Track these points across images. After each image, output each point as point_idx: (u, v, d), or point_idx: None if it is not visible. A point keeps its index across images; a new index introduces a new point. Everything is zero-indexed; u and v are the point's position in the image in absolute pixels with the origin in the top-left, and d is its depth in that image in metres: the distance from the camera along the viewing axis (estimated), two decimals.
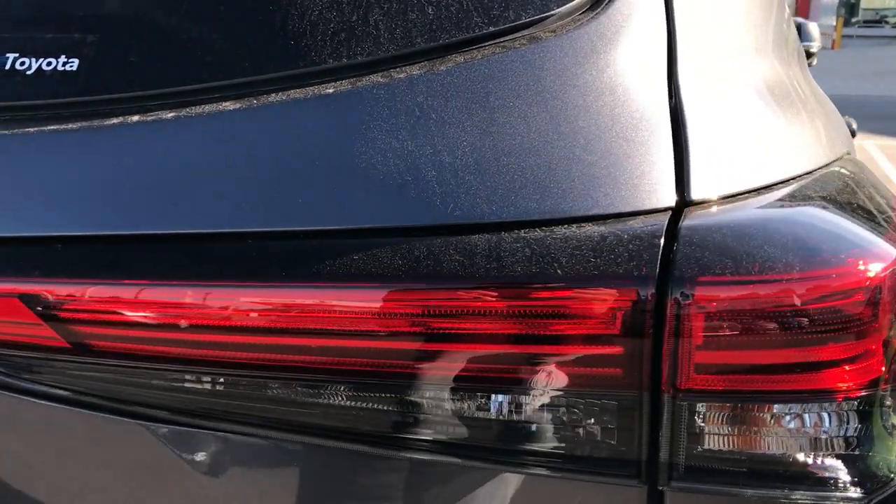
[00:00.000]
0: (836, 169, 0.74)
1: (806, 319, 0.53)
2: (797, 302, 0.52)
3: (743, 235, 0.54)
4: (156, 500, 0.64)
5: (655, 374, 0.54)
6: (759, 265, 0.52)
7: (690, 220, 0.55)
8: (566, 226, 0.55)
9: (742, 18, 0.77)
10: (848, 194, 0.66)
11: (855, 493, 0.59)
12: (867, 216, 0.63)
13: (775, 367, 0.54)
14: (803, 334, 0.53)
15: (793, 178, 0.64)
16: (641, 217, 0.56)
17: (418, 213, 0.55)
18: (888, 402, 0.60)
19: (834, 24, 20.90)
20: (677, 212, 0.56)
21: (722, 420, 0.56)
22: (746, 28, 0.78)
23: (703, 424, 0.56)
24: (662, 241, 0.53)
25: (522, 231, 0.54)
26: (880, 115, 10.65)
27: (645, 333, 0.53)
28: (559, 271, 0.53)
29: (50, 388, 0.60)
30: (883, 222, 0.63)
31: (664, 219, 0.55)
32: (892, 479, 0.60)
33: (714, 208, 0.57)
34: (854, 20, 23.87)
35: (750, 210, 0.57)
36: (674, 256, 0.52)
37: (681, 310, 0.52)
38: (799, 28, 3.23)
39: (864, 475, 0.59)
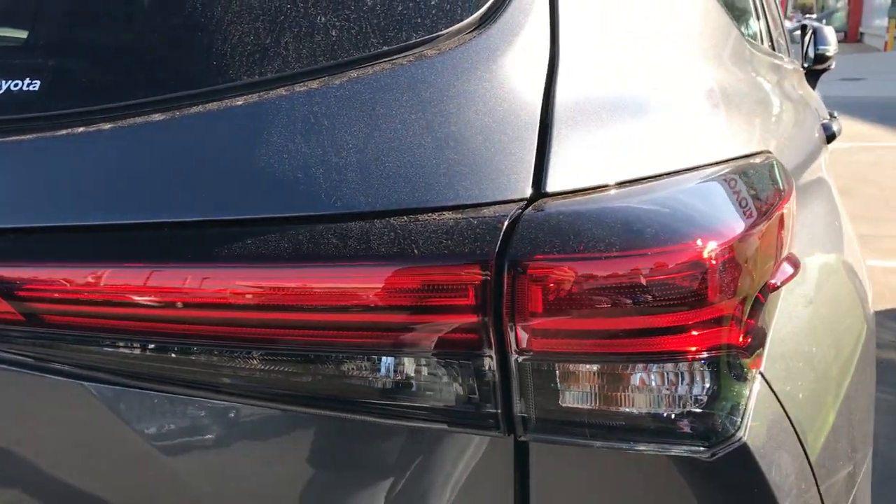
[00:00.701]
0: (717, 167, 0.82)
1: (628, 291, 0.62)
2: (619, 276, 0.61)
3: (576, 220, 0.63)
4: (95, 450, 0.76)
5: (501, 338, 0.63)
6: (585, 244, 0.61)
7: (534, 207, 0.65)
8: (429, 214, 0.65)
9: (634, 33, 0.86)
10: (708, 189, 0.74)
11: (698, 446, 0.67)
12: (716, 207, 0.71)
13: (607, 332, 0.64)
14: (628, 304, 0.62)
15: (652, 176, 0.73)
16: (497, 206, 0.65)
17: (305, 204, 0.66)
18: (735, 365, 0.69)
19: (886, 25, 20.44)
20: (531, 202, 0.66)
21: (566, 378, 0.65)
22: (637, 41, 0.86)
23: (548, 382, 0.65)
24: (506, 224, 0.63)
25: (391, 219, 0.65)
26: None
27: (489, 303, 0.62)
28: (416, 251, 0.63)
29: (8, 355, 0.73)
30: (737, 216, 0.71)
31: (515, 207, 0.65)
32: (734, 435, 0.69)
33: (561, 199, 0.66)
34: None
35: (592, 200, 0.66)
36: (512, 237, 0.62)
37: (516, 282, 0.62)
38: (814, 32, 3.26)
39: (707, 430, 0.67)
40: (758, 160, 0.92)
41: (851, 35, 24.57)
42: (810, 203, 1.39)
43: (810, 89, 2.98)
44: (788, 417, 0.80)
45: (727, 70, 1.10)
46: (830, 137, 2.13)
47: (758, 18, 1.84)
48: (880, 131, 9.77)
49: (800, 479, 0.82)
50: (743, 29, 1.48)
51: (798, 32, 3.44)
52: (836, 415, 1.02)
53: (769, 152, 1.01)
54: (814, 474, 0.85)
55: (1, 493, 0.82)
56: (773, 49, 2.06)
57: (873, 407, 1.37)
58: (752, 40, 1.57)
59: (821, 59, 3.28)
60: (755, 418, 0.73)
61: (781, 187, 0.85)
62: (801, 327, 1.01)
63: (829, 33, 3.34)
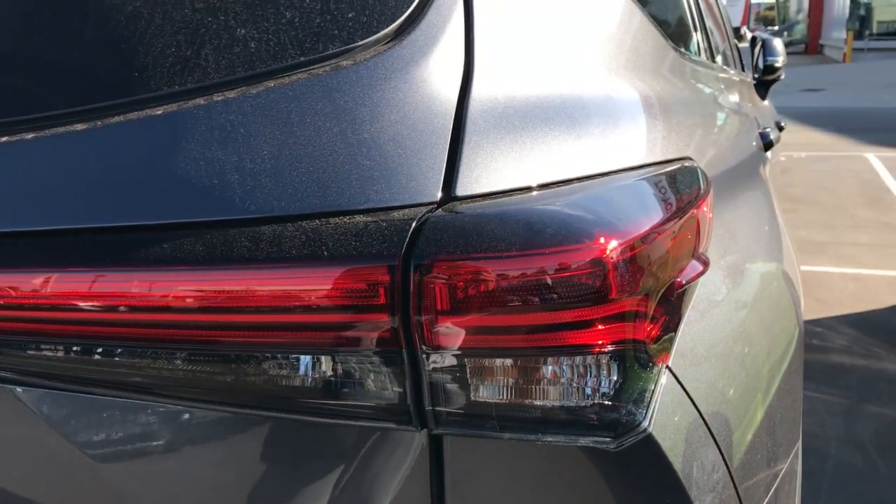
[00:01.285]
0: (630, 172, 0.85)
1: (529, 289, 0.65)
2: (520, 275, 0.64)
3: (479, 221, 0.66)
4: (28, 457, 0.77)
5: (409, 335, 0.66)
6: (487, 244, 0.64)
7: (442, 210, 0.68)
8: (339, 217, 0.67)
9: (550, 45, 0.90)
10: (614, 191, 0.78)
11: (604, 436, 0.70)
12: (619, 207, 0.74)
13: (512, 328, 0.66)
14: (530, 301, 0.65)
15: (562, 181, 0.76)
16: (407, 209, 0.68)
17: (219, 209, 0.68)
18: (640, 359, 0.72)
19: (844, 37, 20.88)
20: (440, 205, 0.69)
21: (474, 373, 0.68)
22: (554, 52, 0.90)
23: (457, 377, 0.68)
24: (413, 226, 0.66)
25: (303, 222, 0.67)
26: (885, 128, 10.67)
27: (397, 302, 0.65)
28: (326, 253, 0.65)
29: None
30: (641, 216, 0.74)
31: (424, 210, 0.68)
32: (639, 426, 0.72)
33: (469, 202, 0.69)
34: (867, 33, 23.81)
35: (498, 203, 0.69)
36: (418, 239, 0.65)
37: (422, 282, 0.64)
38: (763, 44, 3.34)
39: (612, 421, 0.70)
40: (676, 166, 0.95)
41: (812, 47, 25.04)
42: (745, 207, 1.44)
43: (758, 99, 3.06)
44: (701, 414, 0.84)
45: (656, 81, 1.14)
46: (768, 145, 2.19)
47: (697, 32, 1.89)
48: (838, 141, 9.98)
49: (715, 474, 0.85)
50: (680, 43, 1.52)
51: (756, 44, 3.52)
52: (763, 414, 1.06)
53: (690, 158, 1.04)
54: (730, 471, 0.88)
55: None
56: (716, 61, 2.11)
57: (801, 408, 1.41)
58: (689, 54, 1.62)
59: (770, 69, 3.37)
60: (665, 413, 0.76)
61: (696, 190, 0.89)
62: (734, 329, 1.04)
63: (778, 45, 3.43)
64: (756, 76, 3.40)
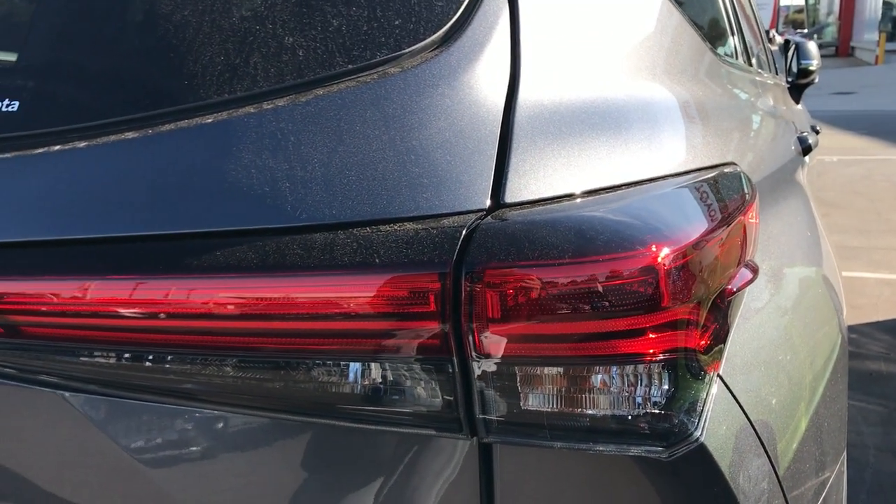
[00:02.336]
0: (678, 178, 0.85)
1: (582, 297, 0.64)
2: (572, 282, 0.64)
3: (531, 228, 0.65)
4: (78, 461, 0.78)
5: (460, 343, 0.66)
6: (539, 252, 0.64)
7: (492, 217, 0.67)
8: (390, 225, 0.67)
9: (596, 50, 0.89)
10: (664, 197, 0.77)
11: (656, 446, 0.70)
12: (670, 214, 0.74)
13: (563, 336, 0.66)
14: (582, 309, 0.64)
15: (610, 187, 0.75)
16: (456, 217, 0.68)
17: (271, 217, 0.68)
18: (692, 367, 0.71)
19: (877, 39, 20.61)
20: (489, 212, 0.69)
21: (525, 381, 0.68)
22: (600, 57, 0.89)
23: (508, 385, 0.67)
24: (464, 233, 0.65)
25: (354, 230, 0.67)
26: None
27: (448, 310, 0.65)
28: (378, 260, 0.65)
29: None
30: (692, 223, 0.74)
31: (474, 217, 0.67)
32: (692, 435, 0.71)
33: (519, 209, 0.69)
34: None
35: (548, 210, 0.69)
36: (469, 246, 0.65)
37: (473, 289, 0.64)
38: (797, 47, 3.31)
39: (664, 431, 0.70)
40: (721, 171, 0.94)
41: (843, 49, 24.74)
42: (786, 213, 1.42)
43: (793, 103, 3.02)
44: (751, 422, 0.82)
45: (695, 86, 1.13)
46: (806, 150, 2.16)
47: (733, 35, 1.87)
48: (871, 144, 9.84)
49: (763, 483, 0.84)
50: (717, 46, 1.51)
51: (791, 47, 3.48)
52: (809, 422, 1.05)
53: (734, 163, 1.03)
54: (779, 479, 0.87)
55: None
56: (751, 65, 2.09)
57: (846, 416, 1.39)
58: (726, 57, 1.60)
59: (804, 73, 3.33)
60: (716, 422, 0.75)
61: (742, 196, 0.88)
62: (777, 337, 1.03)
63: (812, 48, 3.39)
64: (790, 80, 3.36)
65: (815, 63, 3.36)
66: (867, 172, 8.23)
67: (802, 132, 2.27)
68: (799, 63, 3.33)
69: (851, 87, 16.18)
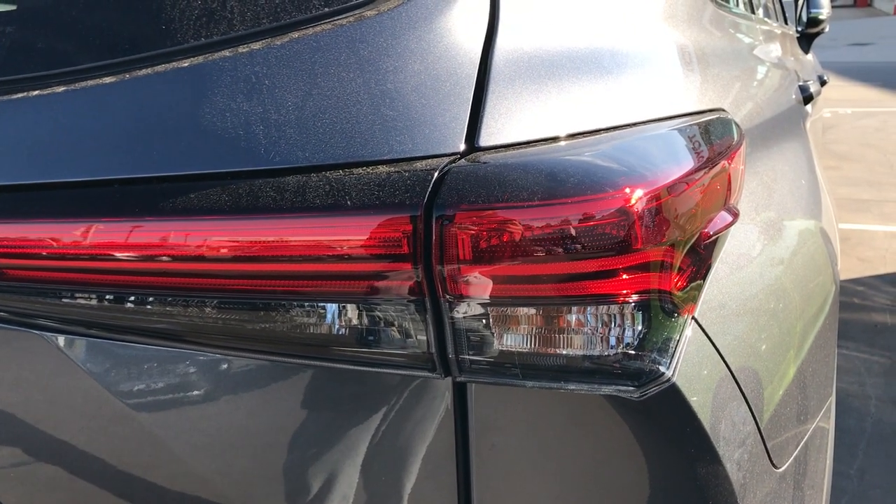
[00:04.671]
0: (660, 122, 0.84)
1: (553, 239, 0.64)
2: (543, 224, 0.64)
3: (502, 171, 0.66)
4: (72, 404, 0.80)
5: (432, 284, 0.67)
6: (509, 194, 0.64)
7: (465, 161, 0.67)
8: (363, 168, 0.68)
9: None
10: (641, 141, 0.77)
11: (627, 385, 0.70)
12: (645, 157, 0.73)
13: (535, 277, 0.66)
14: (554, 251, 0.65)
15: (589, 132, 0.75)
16: (430, 160, 0.68)
17: (245, 160, 0.69)
18: (666, 309, 0.72)
19: None
20: (463, 156, 0.69)
21: (497, 322, 0.68)
22: (588, 1, 0.88)
23: (480, 325, 0.68)
24: (436, 176, 0.66)
25: (327, 172, 0.68)
26: None
27: (419, 252, 0.66)
28: (349, 202, 0.66)
29: None
30: (668, 166, 0.73)
31: (447, 160, 0.68)
32: (663, 375, 0.72)
33: (493, 153, 0.69)
34: None
35: (522, 154, 0.69)
36: (441, 188, 0.65)
37: (444, 231, 0.65)
38: None
39: (636, 370, 0.70)
40: (709, 117, 0.94)
41: (861, 0, 24.24)
42: (781, 161, 1.41)
43: (800, 52, 2.98)
44: (730, 369, 0.83)
45: (692, 32, 1.12)
46: (807, 99, 2.14)
47: None
48: (886, 96, 9.70)
49: (742, 428, 0.85)
50: None
51: None
52: (796, 370, 1.05)
53: (723, 110, 1.02)
54: (758, 425, 0.88)
55: None
56: (754, 12, 2.06)
57: (834, 366, 1.40)
58: (725, 3, 1.58)
59: (813, 22, 3.28)
60: (693, 365, 0.76)
61: (728, 142, 0.87)
62: (769, 285, 1.03)
63: None
64: (799, 29, 3.31)
65: (824, 12, 3.31)
66: (881, 125, 8.13)
67: (805, 81, 2.24)
68: (808, 12, 3.29)
69: (869, 37, 15.89)
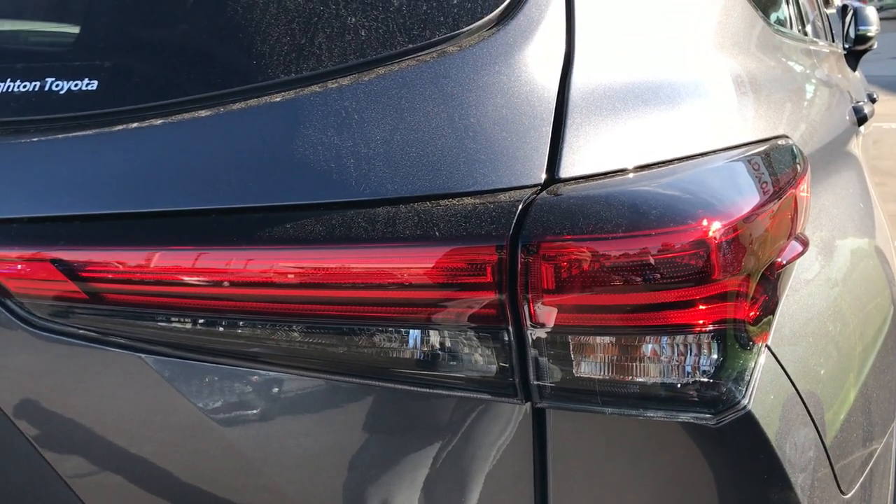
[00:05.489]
0: (729, 152, 0.86)
1: (634, 269, 0.67)
2: (625, 255, 0.66)
3: (585, 203, 0.68)
4: (151, 419, 0.83)
5: (517, 313, 0.69)
6: (593, 226, 0.67)
7: (548, 192, 0.70)
8: (449, 199, 0.71)
9: (649, 26, 0.90)
10: (716, 172, 0.79)
11: (704, 413, 0.72)
12: (721, 188, 0.75)
13: (616, 307, 0.69)
14: (634, 281, 0.67)
15: (663, 162, 0.77)
16: (513, 192, 0.71)
17: (336, 192, 0.72)
18: (741, 338, 0.74)
19: None
20: (545, 187, 0.71)
21: (578, 350, 0.71)
22: (653, 33, 0.90)
23: (562, 353, 0.71)
24: (520, 207, 0.68)
25: (415, 204, 0.71)
26: None
27: (505, 281, 0.68)
28: (438, 233, 0.69)
29: (74, 329, 0.81)
30: (743, 197, 0.75)
31: (530, 192, 0.70)
32: (739, 403, 0.73)
33: (574, 184, 0.71)
34: None
35: (602, 185, 0.71)
36: (525, 220, 0.68)
37: (529, 262, 0.67)
38: (855, 12, 3.23)
39: (713, 398, 0.72)
40: (773, 144, 0.95)
41: None
42: (838, 185, 1.42)
43: (848, 71, 2.96)
44: (798, 392, 0.84)
45: (748, 58, 1.14)
46: (861, 120, 2.13)
47: (787, 2, 1.85)
48: None
49: (810, 452, 0.86)
50: (770, 16, 1.50)
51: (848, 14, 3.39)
52: (857, 393, 1.06)
53: (786, 136, 1.04)
54: (825, 448, 0.89)
55: (65, 459, 0.90)
56: (806, 33, 2.06)
57: None
58: (780, 27, 1.59)
59: (862, 39, 3.26)
60: (763, 391, 0.78)
61: (794, 169, 0.89)
62: (827, 308, 1.04)
63: (871, 13, 3.31)
64: (846, 46, 3.29)
65: (873, 29, 3.28)
66: None
67: (858, 101, 2.24)
68: (856, 29, 3.26)
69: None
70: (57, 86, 0.83)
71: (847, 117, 1.86)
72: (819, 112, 1.52)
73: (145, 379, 0.81)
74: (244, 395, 0.80)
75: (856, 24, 3.27)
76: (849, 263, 1.26)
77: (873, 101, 3.35)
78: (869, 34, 3.27)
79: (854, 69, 3.33)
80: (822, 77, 1.83)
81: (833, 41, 3.13)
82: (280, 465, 0.81)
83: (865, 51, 3.33)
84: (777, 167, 0.88)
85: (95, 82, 0.82)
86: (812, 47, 1.96)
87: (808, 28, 2.28)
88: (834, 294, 1.10)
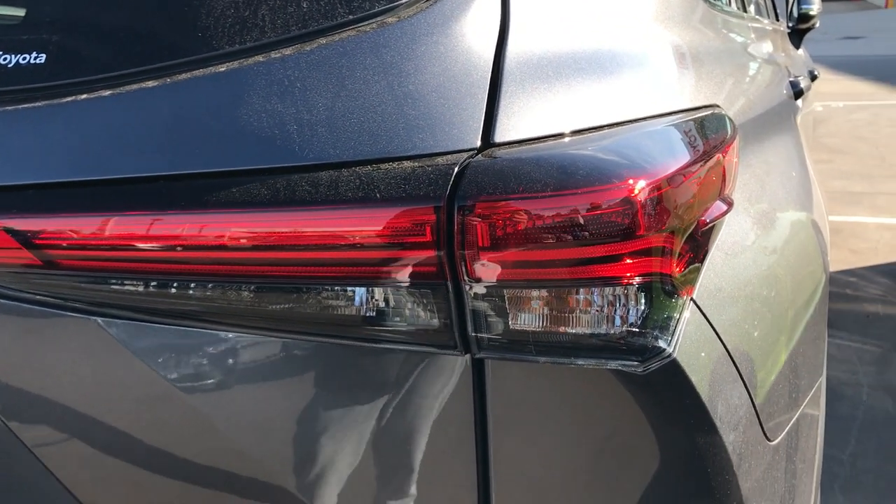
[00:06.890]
0: (659, 119, 0.90)
1: (563, 226, 0.71)
2: (554, 213, 0.71)
3: (517, 165, 0.72)
4: (107, 381, 0.86)
5: (454, 269, 0.73)
6: (524, 186, 0.71)
7: (482, 156, 0.74)
8: (389, 163, 0.74)
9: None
10: (643, 136, 0.83)
11: (631, 360, 0.77)
12: (646, 150, 0.80)
13: (548, 262, 0.73)
14: (564, 237, 0.71)
15: (594, 128, 0.81)
16: (449, 155, 0.75)
17: (280, 157, 0.75)
18: (667, 291, 0.78)
19: None
20: (480, 151, 0.75)
21: (513, 303, 0.75)
22: (587, 5, 0.95)
23: (497, 306, 0.75)
24: (456, 170, 0.72)
25: (356, 168, 0.74)
26: None
27: (443, 240, 0.72)
28: (378, 195, 0.72)
29: (30, 296, 0.84)
30: (667, 158, 0.80)
31: (465, 156, 0.74)
32: (665, 351, 0.78)
33: (507, 148, 0.75)
34: None
35: (533, 148, 0.75)
36: (461, 182, 0.72)
37: (465, 221, 0.71)
38: None
39: (639, 347, 0.77)
40: (704, 113, 1.00)
41: None
42: (773, 155, 1.48)
43: (791, 48, 3.04)
44: (728, 350, 0.90)
45: (685, 30, 1.18)
46: (798, 94, 2.21)
47: None
48: (878, 89, 9.78)
49: (739, 409, 0.91)
50: None
51: None
52: (788, 356, 1.12)
53: (717, 106, 1.09)
54: (754, 406, 0.95)
55: (24, 428, 0.92)
56: (746, 10, 2.13)
57: (825, 354, 1.47)
58: (719, 3, 1.64)
59: (804, 18, 3.34)
60: (692, 345, 0.83)
61: (722, 136, 0.94)
62: (763, 273, 1.10)
63: None
64: (790, 25, 3.38)
65: (815, 8, 3.37)
66: (872, 118, 8.21)
67: (796, 77, 2.31)
68: (799, 8, 3.35)
69: (860, 31, 15.97)
70: (5, 59, 0.84)
71: (784, 91, 1.92)
72: (756, 85, 1.58)
73: (101, 342, 0.84)
74: (199, 356, 0.83)
75: (799, 4, 3.36)
76: (784, 232, 1.32)
77: (814, 77, 3.45)
78: (811, 13, 3.36)
79: (798, 47, 3.42)
80: (760, 52, 1.89)
81: (777, 20, 3.21)
82: (234, 423, 0.85)
83: (808, 29, 3.43)
84: (706, 133, 0.93)
85: (44, 55, 0.84)
86: (752, 24, 2.03)
87: (751, 7, 2.35)
88: (769, 260, 1.16)
